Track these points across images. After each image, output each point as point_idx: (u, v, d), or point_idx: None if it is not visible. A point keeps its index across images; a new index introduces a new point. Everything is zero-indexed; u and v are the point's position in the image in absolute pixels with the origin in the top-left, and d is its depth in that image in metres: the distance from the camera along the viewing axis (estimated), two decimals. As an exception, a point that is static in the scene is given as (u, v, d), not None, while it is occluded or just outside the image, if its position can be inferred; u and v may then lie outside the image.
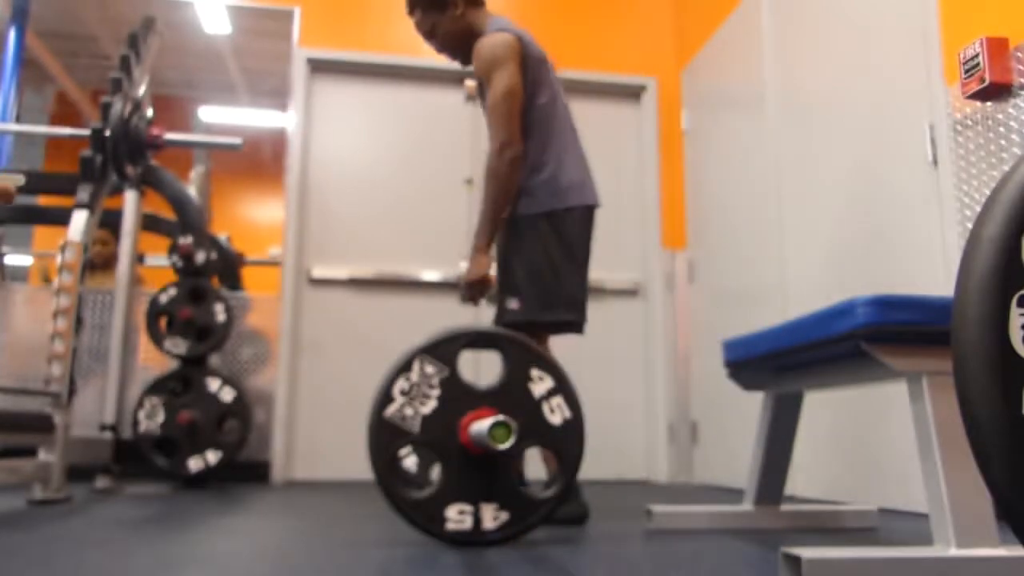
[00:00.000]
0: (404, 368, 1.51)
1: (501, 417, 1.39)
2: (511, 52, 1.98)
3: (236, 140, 2.77)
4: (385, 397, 1.49)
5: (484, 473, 1.51)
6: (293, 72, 3.57)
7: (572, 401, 1.58)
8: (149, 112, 2.70)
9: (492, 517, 1.50)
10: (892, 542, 1.61)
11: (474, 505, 1.49)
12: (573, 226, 2.02)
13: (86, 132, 2.49)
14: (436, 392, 1.51)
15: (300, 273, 3.44)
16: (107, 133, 2.47)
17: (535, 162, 2.02)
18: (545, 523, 1.89)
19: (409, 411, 1.50)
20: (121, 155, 2.55)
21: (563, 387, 1.57)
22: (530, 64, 2.03)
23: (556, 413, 1.56)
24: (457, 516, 1.48)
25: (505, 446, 1.38)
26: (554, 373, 1.58)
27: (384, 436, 1.48)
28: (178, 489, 2.75)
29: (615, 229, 3.75)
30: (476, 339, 1.59)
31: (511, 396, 1.54)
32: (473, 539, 1.48)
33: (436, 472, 1.53)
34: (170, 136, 2.68)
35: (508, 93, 1.95)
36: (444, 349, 1.53)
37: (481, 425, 1.42)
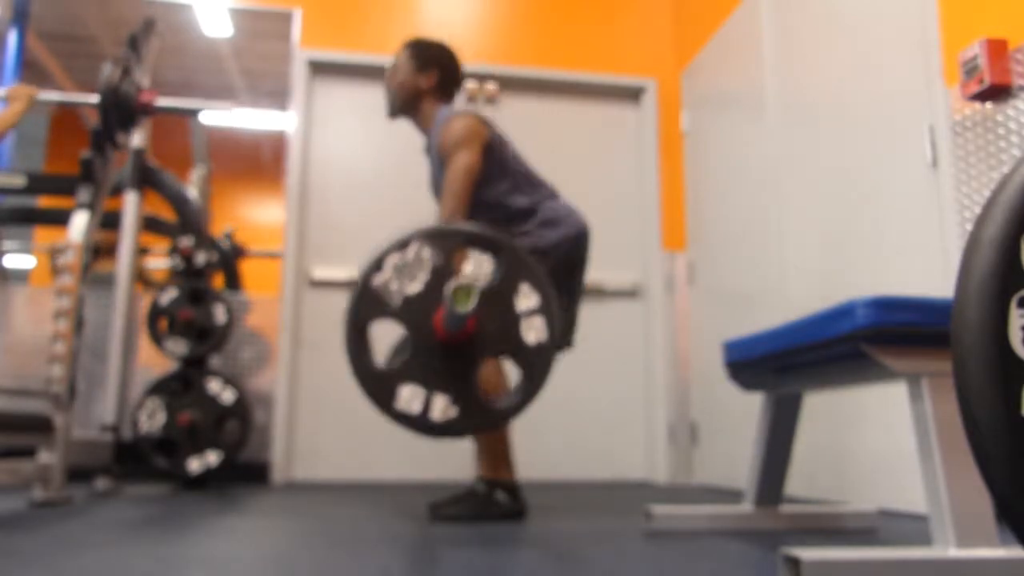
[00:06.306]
0: (402, 245, 1.52)
1: (465, 280, 1.40)
2: (477, 135, 2.16)
3: (228, 105, 2.75)
4: (376, 265, 1.51)
5: (448, 364, 1.51)
6: (293, 74, 3.58)
7: (552, 326, 1.55)
8: (143, 81, 2.65)
9: (441, 409, 1.49)
10: (892, 543, 1.61)
11: (428, 391, 1.49)
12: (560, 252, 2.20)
13: (77, 99, 2.46)
14: (425, 277, 1.52)
15: (300, 274, 3.44)
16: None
17: (521, 207, 2.21)
18: (482, 519, 1.95)
19: (395, 285, 1.51)
20: (111, 121, 2.50)
21: (547, 309, 1.55)
22: (495, 140, 2.22)
23: (532, 333, 1.54)
24: (408, 396, 1.48)
25: (463, 309, 1.39)
26: (543, 293, 1.56)
27: (364, 302, 1.49)
28: (178, 490, 2.75)
29: (615, 230, 3.75)
30: (477, 239, 1.58)
31: (495, 303, 1.53)
32: (416, 424, 1.48)
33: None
34: (162, 102, 2.64)
35: (466, 171, 2.10)
36: (444, 239, 1.54)
37: (447, 286, 1.43)
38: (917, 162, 2.21)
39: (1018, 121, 1.89)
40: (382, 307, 1.50)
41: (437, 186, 2.30)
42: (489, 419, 1.53)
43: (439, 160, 2.21)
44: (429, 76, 2.31)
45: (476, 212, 2.21)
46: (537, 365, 1.54)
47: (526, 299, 1.55)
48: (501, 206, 2.19)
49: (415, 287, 1.51)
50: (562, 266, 2.17)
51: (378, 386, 1.48)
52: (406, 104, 2.34)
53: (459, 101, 3.69)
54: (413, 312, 1.51)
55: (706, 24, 3.64)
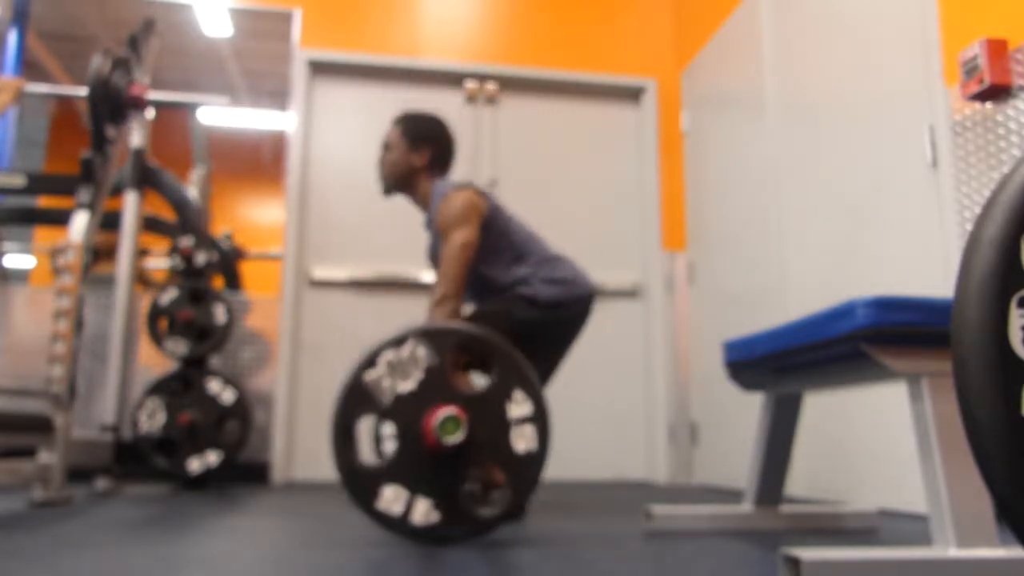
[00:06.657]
0: (397, 343, 1.52)
1: (454, 412, 1.41)
2: (474, 210, 2.12)
3: (221, 99, 2.73)
4: (370, 362, 1.50)
5: (434, 469, 1.50)
6: (293, 74, 3.58)
7: (543, 435, 1.55)
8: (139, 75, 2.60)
9: (423, 513, 1.49)
10: (892, 543, 1.61)
11: (411, 494, 1.49)
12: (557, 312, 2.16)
13: (66, 91, 2.42)
14: (419, 376, 1.51)
15: (300, 274, 3.45)
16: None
17: (523, 276, 2.17)
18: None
19: (387, 383, 1.50)
20: (101, 114, 2.43)
21: (540, 418, 1.54)
22: (493, 212, 2.18)
23: (523, 442, 1.53)
24: (391, 497, 1.48)
25: (449, 440, 1.40)
26: (536, 401, 1.55)
27: (354, 398, 1.49)
28: (178, 490, 2.75)
29: (615, 230, 3.76)
30: (472, 342, 1.57)
31: (486, 409, 1.53)
32: (396, 526, 1.48)
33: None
34: (153, 95, 2.60)
35: (463, 250, 2.06)
36: (440, 338, 1.53)
37: (437, 413, 1.45)
38: (917, 162, 2.21)
39: (1018, 121, 1.89)
40: (372, 404, 1.50)
41: (436, 257, 2.31)
42: (471, 527, 1.52)
43: (437, 234, 2.20)
44: (422, 154, 2.27)
45: (476, 284, 2.21)
46: (525, 476, 1.53)
47: (519, 407, 1.54)
48: (501, 277, 2.18)
49: (408, 385, 1.51)
50: (559, 324, 2.17)
51: (361, 484, 1.48)
52: (400, 183, 2.30)
53: (459, 102, 3.69)
54: (404, 411, 1.50)
55: (706, 24, 3.64)
